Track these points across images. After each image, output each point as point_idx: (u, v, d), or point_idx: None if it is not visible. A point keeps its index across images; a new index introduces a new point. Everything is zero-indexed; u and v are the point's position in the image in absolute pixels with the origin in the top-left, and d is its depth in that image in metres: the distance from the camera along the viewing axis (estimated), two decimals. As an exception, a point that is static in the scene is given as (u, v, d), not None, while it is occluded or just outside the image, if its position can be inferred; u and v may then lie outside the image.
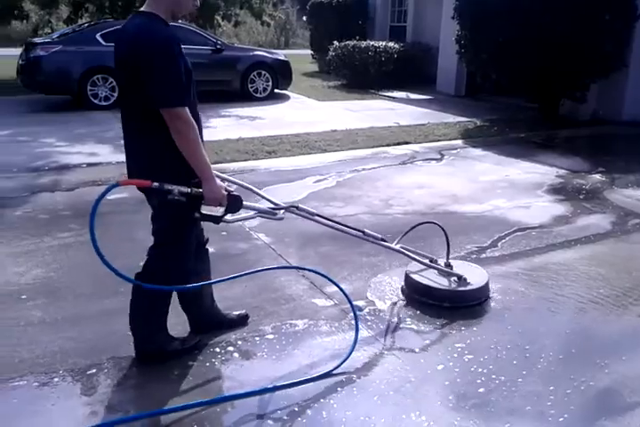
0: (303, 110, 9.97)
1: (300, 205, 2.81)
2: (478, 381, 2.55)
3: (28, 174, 5.70)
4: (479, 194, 5.29)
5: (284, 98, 11.25)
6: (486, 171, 6.12)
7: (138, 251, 2.78)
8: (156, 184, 2.28)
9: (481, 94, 11.28)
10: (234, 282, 3.33)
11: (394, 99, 11.33)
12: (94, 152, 6.68)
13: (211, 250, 3.89)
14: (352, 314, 2.96)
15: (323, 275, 2.90)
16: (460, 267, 3.37)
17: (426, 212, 4.79)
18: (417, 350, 2.79)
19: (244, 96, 10.63)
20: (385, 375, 2.57)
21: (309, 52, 17.96)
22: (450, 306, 3.16)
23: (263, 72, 10.83)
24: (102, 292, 3.25)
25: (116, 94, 9.62)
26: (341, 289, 2.86)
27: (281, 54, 11.68)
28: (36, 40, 9.96)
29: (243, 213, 2.63)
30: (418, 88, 12.12)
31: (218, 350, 2.77)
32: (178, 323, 2.95)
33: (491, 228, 4.41)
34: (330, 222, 2.94)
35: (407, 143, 7.29)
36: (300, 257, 3.82)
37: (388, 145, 7.17)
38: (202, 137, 2.42)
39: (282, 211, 2.75)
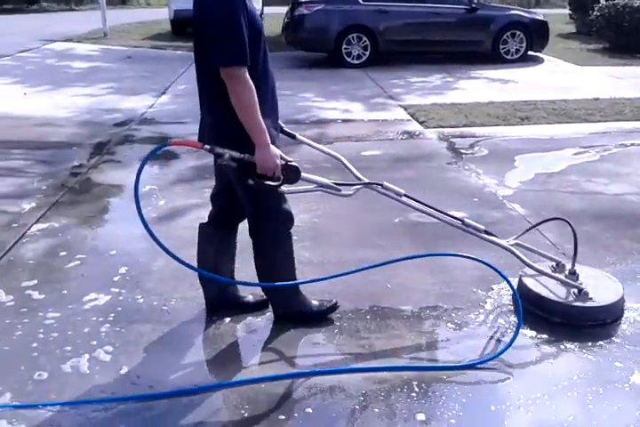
0: (559, 75, 9.24)
1: (386, 183, 2.54)
2: None
3: (293, 126, 6.17)
4: None
5: (537, 60, 10.52)
6: None
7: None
8: (207, 147, 2.24)
9: None
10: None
11: (669, 66, 9.91)
12: (347, 109, 7.01)
13: (464, 214, 3.92)
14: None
15: (488, 264, 2.68)
16: (591, 278, 2.81)
17: None
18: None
19: (493, 58, 10.17)
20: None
21: (563, 11, 16.45)
22: (560, 322, 2.67)
23: (518, 33, 10.21)
24: (362, 242, 3.45)
25: (367, 53, 9.90)
26: (507, 280, 2.67)
27: (539, 14, 10.91)
28: (302, -1, 10.60)
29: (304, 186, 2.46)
30: (701, 55, 10.43)
31: (435, 313, 2.79)
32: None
33: None
34: (420, 206, 2.62)
35: (687, 118, 6.36)
36: (557, 234, 3.60)
37: (663, 118, 6.34)
38: (269, 103, 2.37)
39: (354, 187, 2.51)
